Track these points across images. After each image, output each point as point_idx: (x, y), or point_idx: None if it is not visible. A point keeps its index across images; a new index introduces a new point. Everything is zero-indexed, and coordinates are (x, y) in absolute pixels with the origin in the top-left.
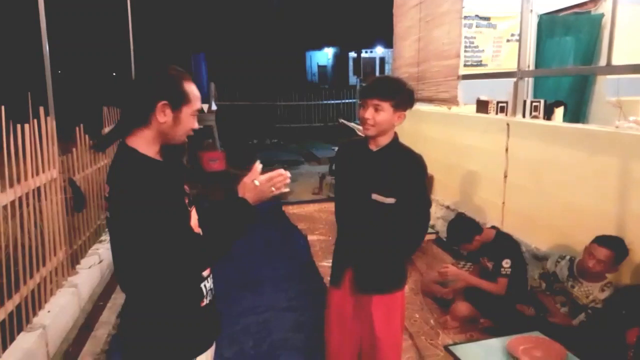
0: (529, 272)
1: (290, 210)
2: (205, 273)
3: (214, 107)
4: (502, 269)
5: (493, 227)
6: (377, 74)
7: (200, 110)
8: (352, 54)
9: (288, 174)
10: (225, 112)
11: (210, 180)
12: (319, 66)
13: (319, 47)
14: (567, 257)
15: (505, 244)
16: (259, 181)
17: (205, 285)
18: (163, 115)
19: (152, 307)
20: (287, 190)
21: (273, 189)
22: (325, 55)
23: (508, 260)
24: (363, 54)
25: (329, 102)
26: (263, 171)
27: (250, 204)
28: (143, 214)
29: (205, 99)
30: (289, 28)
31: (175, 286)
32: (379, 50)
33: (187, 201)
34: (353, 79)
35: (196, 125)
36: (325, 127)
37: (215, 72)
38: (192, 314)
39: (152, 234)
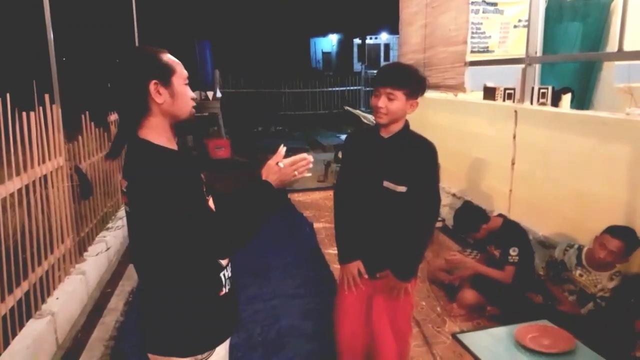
0: (536, 260)
1: (296, 197)
2: (224, 262)
3: (218, 95)
4: (510, 257)
5: (500, 215)
6: (382, 60)
7: (205, 98)
8: (357, 41)
9: (311, 158)
10: (230, 100)
11: (215, 168)
12: (323, 53)
13: (324, 34)
14: (576, 246)
15: (512, 232)
16: (283, 164)
17: (224, 275)
18: (159, 95)
19: (171, 297)
20: (309, 175)
21: (296, 172)
22: (329, 42)
23: (515, 248)
24: (368, 41)
25: (333, 89)
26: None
27: (273, 186)
28: (167, 204)
29: (210, 86)
30: (293, 14)
31: (195, 276)
32: (383, 37)
33: (204, 189)
34: (358, 66)
35: (192, 94)
36: (330, 114)
37: (219, 59)
38: (211, 303)
39: (177, 223)
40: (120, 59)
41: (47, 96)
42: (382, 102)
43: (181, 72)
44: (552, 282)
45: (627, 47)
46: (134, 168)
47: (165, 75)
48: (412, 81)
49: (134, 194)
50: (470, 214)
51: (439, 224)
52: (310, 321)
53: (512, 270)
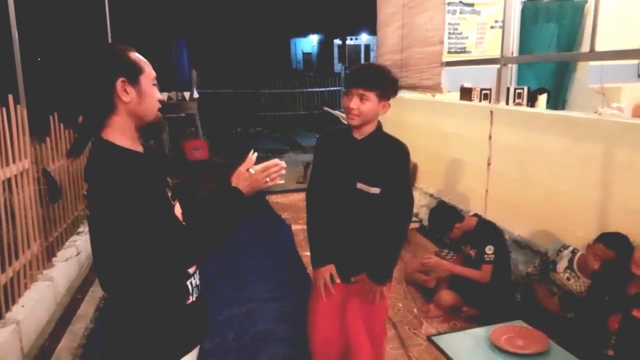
0: (513, 259)
1: (274, 199)
2: (191, 270)
3: (195, 95)
4: (486, 256)
5: (475, 215)
6: (362, 61)
7: (182, 98)
8: (337, 41)
9: (284, 164)
10: (208, 100)
11: (193, 170)
12: (304, 53)
13: (304, 34)
14: (570, 249)
15: (487, 231)
16: (254, 170)
17: (191, 283)
18: (126, 94)
19: (135, 306)
20: (281, 182)
21: (267, 179)
22: (310, 43)
23: (491, 247)
24: (348, 41)
25: (313, 89)
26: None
27: (243, 194)
28: (126, 209)
29: (187, 86)
30: (274, 14)
31: (160, 284)
32: (364, 38)
33: (170, 194)
34: (338, 67)
35: (160, 95)
36: (309, 115)
37: (197, 59)
38: (177, 312)
39: (137, 230)
40: (87, 55)
41: (10, 96)
42: (353, 103)
43: (149, 72)
44: (540, 280)
45: (599, 47)
46: (96, 171)
47: (133, 73)
48: (384, 82)
49: (93, 198)
50: (444, 214)
51: (416, 225)
52: (286, 325)
53: (490, 268)
